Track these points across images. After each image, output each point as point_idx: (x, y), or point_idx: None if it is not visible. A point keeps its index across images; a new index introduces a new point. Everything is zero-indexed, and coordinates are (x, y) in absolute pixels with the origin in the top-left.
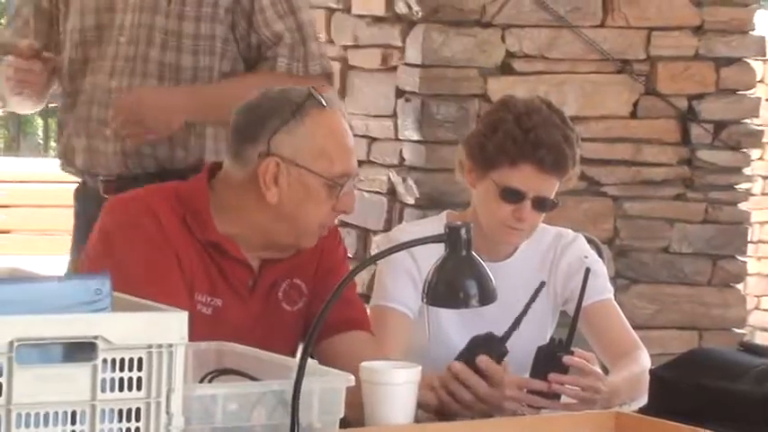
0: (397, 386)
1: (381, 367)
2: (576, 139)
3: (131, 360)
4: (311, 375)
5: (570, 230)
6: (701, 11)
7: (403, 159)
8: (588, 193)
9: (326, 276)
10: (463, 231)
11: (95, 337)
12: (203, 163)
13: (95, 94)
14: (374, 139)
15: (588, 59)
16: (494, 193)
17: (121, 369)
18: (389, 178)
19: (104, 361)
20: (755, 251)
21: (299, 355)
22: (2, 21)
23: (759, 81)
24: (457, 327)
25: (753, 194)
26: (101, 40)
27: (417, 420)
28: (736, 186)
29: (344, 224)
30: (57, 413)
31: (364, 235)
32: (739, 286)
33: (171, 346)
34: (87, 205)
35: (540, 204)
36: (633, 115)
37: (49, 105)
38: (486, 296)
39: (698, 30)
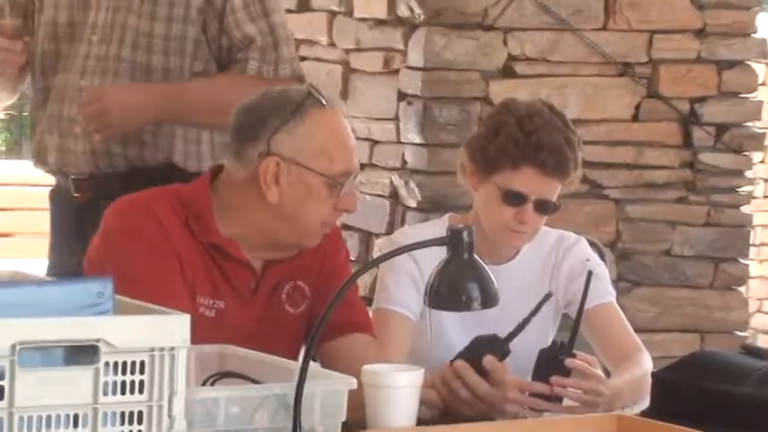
0: (399, 389)
1: (383, 370)
2: (578, 141)
3: (133, 363)
4: (313, 378)
5: (572, 233)
6: (702, 14)
7: (405, 162)
8: (590, 196)
9: (329, 279)
10: (465, 234)
11: (97, 341)
12: (172, 164)
13: (67, 92)
14: (376, 142)
15: (590, 62)
16: (496, 195)
17: (123, 372)
18: (391, 181)
19: (106, 364)
20: (757, 254)
21: (301, 357)
22: None
23: (761, 84)
24: (459, 330)
25: (755, 197)
26: (73, 38)
27: (420, 418)
28: (738, 189)
29: (346, 227)
30: (59, 416)
31: (366, 238)
32: (741, 289)
33: (173, 349)
34: (61, 206)
35: (542, 207)
36: (635, 118)
37: None
38: (488, 299)
39: (700, 33)
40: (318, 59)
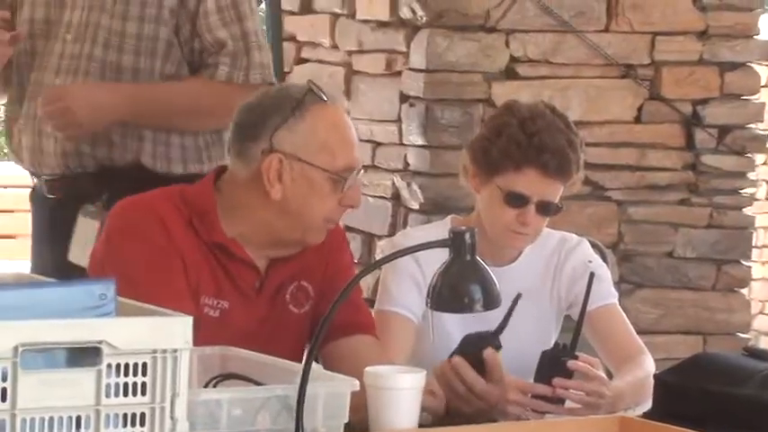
0: (402, 391)
1: (386, 372)
2: (580, 143)
3: (136, 365)
4: (316, 380)
5: (574, 235)
6: (705, 15)
7: (407, 164)
8: (592, 197)
9: (333, 279)
10: (467, 236)
11: (100, 342)
12: (140, 165)
13: (41, 90)
14: (378, 144)
15: (592, 64)
16: (498, 197)
17: (126, 374)
18: (394, 183)
19: (109, 366)
20: (760, 256)
21: (304, 358)
22: None
23: (763, 86)
24: (461, 332)
25: (757, 199)
26: (48, 36)
27: (421, 425)
28: (740, 191)
29: (349, 229)
30: (61, 418)
31: (369, 240)
32: (744, 291)
33: (175, 350)
34: (37, 207)
35: (545, 209)
36: (637, 120)
37: None
38: (491, 301)
39: (702, 34)
40: (321, 61)
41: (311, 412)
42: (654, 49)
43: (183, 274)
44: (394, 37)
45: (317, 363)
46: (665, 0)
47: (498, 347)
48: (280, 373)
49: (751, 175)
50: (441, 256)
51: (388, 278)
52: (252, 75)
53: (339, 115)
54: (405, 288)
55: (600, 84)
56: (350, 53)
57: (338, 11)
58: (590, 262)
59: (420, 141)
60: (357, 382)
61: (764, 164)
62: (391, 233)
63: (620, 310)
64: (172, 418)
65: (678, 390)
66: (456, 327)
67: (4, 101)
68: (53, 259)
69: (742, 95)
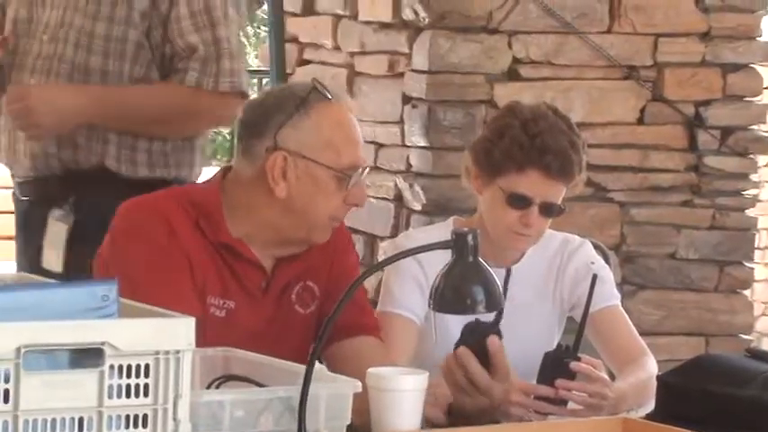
0: (404, 393)
1: (388, 373)
2: (583, 145)
3: (138, 366)
4: (318, 381)
5: (577, 236)
6: (707, 17)
7: (410, 165)
8: (595, 199)
9: (339, 280)
10: (470, 237)
11: (102, 344)
12: (105, 167)
13: None
14: (381, 146)
15: (595, 66)
16: (500, 199)
17: (128, 375)
18: (396, 184)
19: (111, 367)
20: (763, 257)
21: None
22: None
23: (766, 87)
24: None
25: (760, 200)
26: (28, 35)
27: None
28: (743, 192)
29: (351, 230)
30: (64, 419)
31: (371, 241)
32: (746, 292)
33: (178, 352)
34: (16, 209)
35: (547, 210)
36: (640, 121)
37: None
38: (493, 302)
39: (705, 36)
40: (323, 63)
41: (313, 414)
42: (656, 51)
43: (188, 275)
44: (396, 38)
45: (321, 363)
46: (667, 1)
47: (500, 337)
48: (282, 374)
49: (754, 177)
50: (443, 258)
51: (390, 280)
52: (221, 82)
53: (344, 113)
54: (407, 289)
55: (602, 85)
56: (352, 54)
57: (340, 12)
58: (592, 263)
59: (422, 143)
60: (359, 384)
61: (767, 165)
62: (394, 234)
63: (623, 311)
64: (174, 419)
65: (680, 391)
66: (458, 328)
67: None
68: (28, 264)
69: (745, 97)
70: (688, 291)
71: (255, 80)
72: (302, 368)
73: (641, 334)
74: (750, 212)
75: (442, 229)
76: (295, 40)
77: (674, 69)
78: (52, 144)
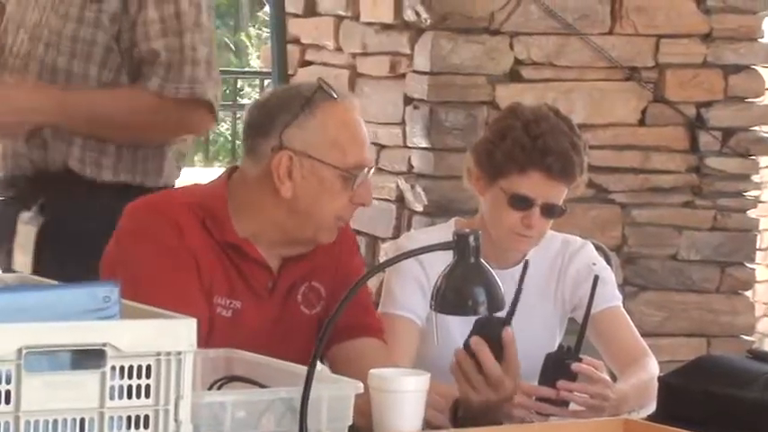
0: (406, 394)
1: (390, 375)
2: (584, 146)
3: (140, 367)
4: (320, 382)
5: (578, 237)
6: (709, 18)
7: (411, 167)
8: (596, 200)
9: (344, 281)
10: (471, 239)
11: (104, 345)
12: (68, 169)
13: None
14: (383, 147)
15: (596, 67)
16: (502, 200)
17: (130, 376)
18: (398, 185)
19: (113, 368)
20: (764, 258)
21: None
22: None
23: (767, 88)
24: (465, 334)
25: (761, 202)
26: (12, 33)
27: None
28: (744, 194)
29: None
30: (65, 420)
31: (373, 242)
32: (748, 293)
33: (180, 353)
34: None
35: (549, 211)
36: (641, 123)
37: None
38: (495, 303)
39: (706, 37)
40: (325, 64)
41: (315, 415)
42: (658, 52)
43: (195, 275)
44: (398, 39)
45: (323, 364)
46: (669, 3)
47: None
48: (284, 375)
49: (755, 178)
50: (445, 259)
51: (392, 281)
52: (181, 89)
53: (349, 113)
54: (409, 291)
55: (604, 86)
56: (354, 55)
57: (342, 13)
58: (594, 264)
59: (424, 144)
60: (361, 385)
61: None
62: (395, 236)
63: (624, 312)
64: (176, 420)
65: (682, 392)
66: (460, 329)
67: None
68: (1, 266)
69: (746, 98)
70: (689, 292)
71: (257, 81)
72: (304, 369)
73: (643, 335)
74: (751, 213)
75: (444, 231)
76: (297, 41)
77: (676, 70)
78: (22, 144)
